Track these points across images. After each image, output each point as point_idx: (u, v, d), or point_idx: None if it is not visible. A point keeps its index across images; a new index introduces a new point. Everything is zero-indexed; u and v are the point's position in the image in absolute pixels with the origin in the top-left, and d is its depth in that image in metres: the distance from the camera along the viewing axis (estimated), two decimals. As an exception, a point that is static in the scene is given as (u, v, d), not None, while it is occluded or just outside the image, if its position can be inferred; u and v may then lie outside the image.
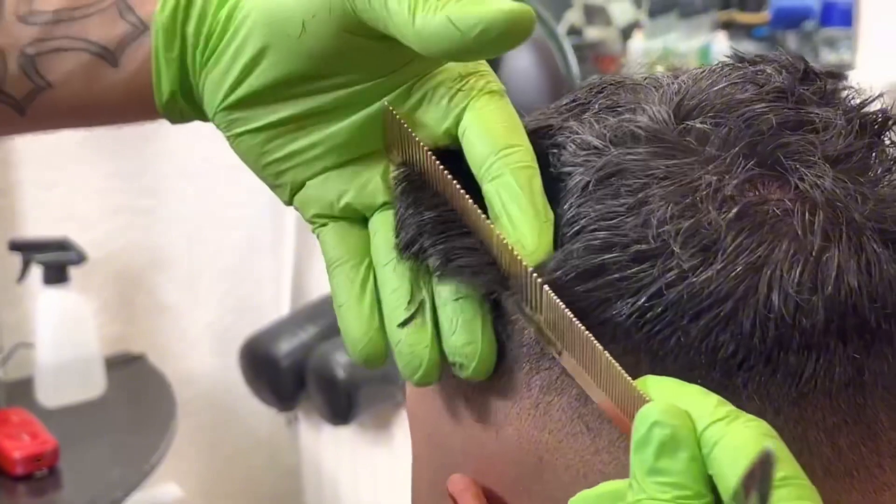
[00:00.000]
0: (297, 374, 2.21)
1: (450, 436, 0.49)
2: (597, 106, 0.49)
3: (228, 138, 0.50)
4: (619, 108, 0.48)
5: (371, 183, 0.50)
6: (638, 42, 3.12)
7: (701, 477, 0.38)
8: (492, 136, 0.47)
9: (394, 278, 0.48)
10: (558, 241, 0.45)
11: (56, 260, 1.95)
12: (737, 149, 0.45)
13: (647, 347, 0.43)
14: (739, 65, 0.49)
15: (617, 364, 0.42)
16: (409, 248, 0.47)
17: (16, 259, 1.99)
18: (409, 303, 0.47)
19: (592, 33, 3.00)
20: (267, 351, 2.22)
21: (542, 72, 1.98)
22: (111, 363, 2.08)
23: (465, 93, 0.48)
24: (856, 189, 0.44)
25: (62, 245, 1.97)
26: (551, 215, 0.45)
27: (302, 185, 0.50)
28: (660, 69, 0.52)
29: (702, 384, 0.42)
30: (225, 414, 2.51)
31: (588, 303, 0.43)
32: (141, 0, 0.51)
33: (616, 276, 0.43)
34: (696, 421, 0.39)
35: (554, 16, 2.29)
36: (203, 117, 0.52)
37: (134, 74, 0.51)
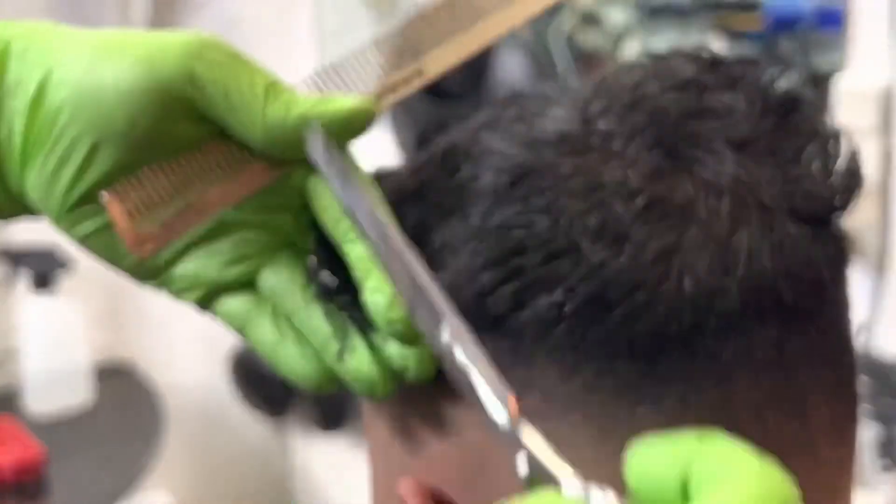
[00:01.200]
0: (286, 380, 2.19)
1: (399, 442, 0.50)
2: (506, 117, 0.49)
3: (77, 241, 0.49)
4: (526, 117, 0.48)
5: (238, 249, 0.49)
6: (633, 47, 3.12)
7: None
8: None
9: (314, 318, 0.48)
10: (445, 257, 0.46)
11: (42, 267, 1.94)
12: (640, 142, 0.45)
13: (569, 343, 0.44)
14: (646, 62, 0.50)
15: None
16: (327, 295, 0.49)
17: (2, 266, 1.98)
18: (335, 335, 0.48)
19: (586, 38, 3.01)
20: (256, 358, 2.20)
21: (533, 77, 1.97)
22: (100, 372, 2.07)
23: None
24: (763, 171, 0.45)
25: (50, 252, 1.96)
26: None
27: (164, 274, 0.50)
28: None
29: (623, 372, 0.43)
30: (215, 422, 2.50)
31: (506, 307, 0.44)
32: None
33: (531, 276, 0.44)
34: None
35: (546, 20, 2.28)
36: (29, 214, 0.50)
37: None
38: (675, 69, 0.49)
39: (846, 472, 0.48)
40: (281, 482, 2.57)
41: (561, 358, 0.44)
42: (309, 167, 0.48)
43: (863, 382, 0.52)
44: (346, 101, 0.47)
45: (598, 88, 0.48)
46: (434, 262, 0.46)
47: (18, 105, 0.47)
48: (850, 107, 1.49)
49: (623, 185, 0.44)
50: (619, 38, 2.34)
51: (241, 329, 0.50)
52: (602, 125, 0.46)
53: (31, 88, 0.47)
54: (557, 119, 0.47)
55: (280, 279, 0.49)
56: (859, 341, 0.50)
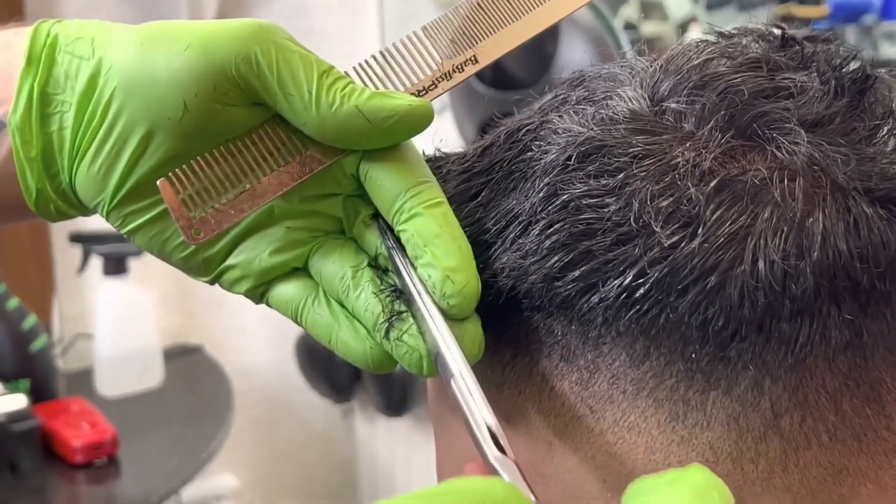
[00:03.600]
0: (352, 365, 2.21)
1: (463, 428, 0.50)
2: (574, 98, 0.49)
3: (126, 234, 0.49)
4: (595, 98, 0.48)
5: (296, 233, 0.49)
6: (695, 36, 3.09)
7: None
8: (397, 175, 0.47)
9: (364, 298, 0.48)
10: (514, 232, 0.46)
11: (115, 251, 1.97)
12: (712, 123, 0.44)
13: (640, 328, 0.43)
14: (714, 40, 0.49)
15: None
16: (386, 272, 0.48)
17: (77, 251, 2.02)
18: (384, 313, 0.47)
19: (649, 28, 2.98)
20: (322, 344, 2.23)
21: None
22: (169, 354, 2.11)
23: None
24: (837, 151, 0.44)
25: (121, 237, 1.99)
26: (471, 250, 0.46)
27: (218, 267, 0.50)
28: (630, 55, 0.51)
29: (696, 358, 0.42)
30: (281, 406, 2.53)
31: (575, 291, 0.44)
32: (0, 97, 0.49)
33: (601, 259, 0.43)
34: None
35: (611, 10, 2.27)
36: (80, 212, 0.50)
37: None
38: (744, 48, 0.48)
39: None
40: (346, 466, 2.60)
41: (631, 343, 0.43)
42: (359, 153, 0.48)
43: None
44: (403, 98, 0.46)
45: (666, 68, 0.47)
46: (498, 240, 0.46)
47: (68, 98, 0.47)
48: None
49: (696, 167, 0.43)
50: (681, 26, 2.34)
51: (295, 315, 0.50)
52: (672, 104, 0.46)
53: (81, 81, 0.47)
54: (626, 98, 0.46)
55: (330, 263, 0.49)
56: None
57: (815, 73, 0.47)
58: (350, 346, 0.48)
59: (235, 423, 1.99)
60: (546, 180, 0.45)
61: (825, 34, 0.50)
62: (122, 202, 0.48)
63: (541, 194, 0.45)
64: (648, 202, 0.43)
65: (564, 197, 0.45)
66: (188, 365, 2.17)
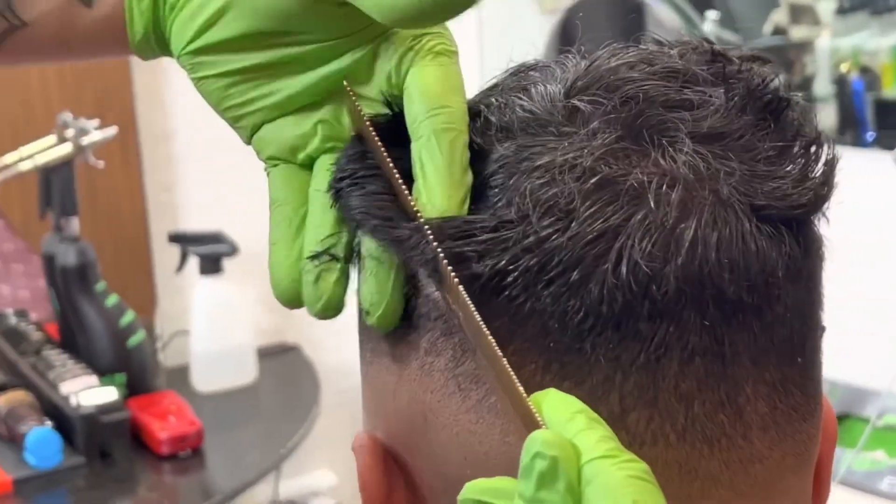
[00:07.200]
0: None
1: (366, 397, 0.52)
2: (507, 86, 0.50)
3: (192, 80, 0.52)
4: (519, 88, 0.49)
5: (322, 128, 0.51)
6: (824, 41, 3.03)
7: None
8: (426, 95, 0.49)
9: (318, 216, 0.49)
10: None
11: (210, 252, 2.04)
12: (607, 124, 0.46)
13: (507, 311, 0.44)
14: (643, 46, 0.50)
15: (513, 375, 0.43)
16: (337, 194, 0.49)
17: (175, 250, 2.10)
18: (325, 238, 0.48)
19: (798, 33, 2.93)
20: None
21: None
22: (265, 353, 2.17)
23: (414, 52, 0.50)
24: (725, 164, 0.45)
25: (216, 237, 2.06)
26: (469, 178, 0.47)
27: (259, 128, 0.52)
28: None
29: (554, 348, 0.44)
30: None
31: (462, 256, 0.45)
32: None
33: (479, 239, 0.44)
34: (580, 453, 0.40)
35: (761, 15, 2.26)
36: (168, 54, 0.54)
37: (108, 15, 0.53)
38: (670, 58, 0.49)
39: (790, 474, 0.48)
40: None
41: (498, 326, 0.44)
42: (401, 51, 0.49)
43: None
44: None
45: (588, 67, 0.49)
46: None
47: None
48: None
49: (578, 164, 0.44)
50: (827, 30, 2.31)
51: (270, 205, 0.51)
52: (579, 103, 0.47)
53: None
54: (540, 94, 0.48)
55: (320, 172, 0.50)
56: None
57: (725, 89, 0.47)
58: (278, 263, 0.50)
59: (334, 421, 2.02)
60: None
61: (763, 55, 0.50)
62: (194, 52, 0.51)
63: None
64: (529, 195, 0.44)
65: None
66: (282, 363, 2.23)
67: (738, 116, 0.47)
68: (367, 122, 0.50)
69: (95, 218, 2.13)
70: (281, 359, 2.24)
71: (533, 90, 0.48)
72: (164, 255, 2.16)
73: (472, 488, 0.42)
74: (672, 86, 0.47)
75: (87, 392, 1.73)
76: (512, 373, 0.43)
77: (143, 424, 1.78)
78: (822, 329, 0.49)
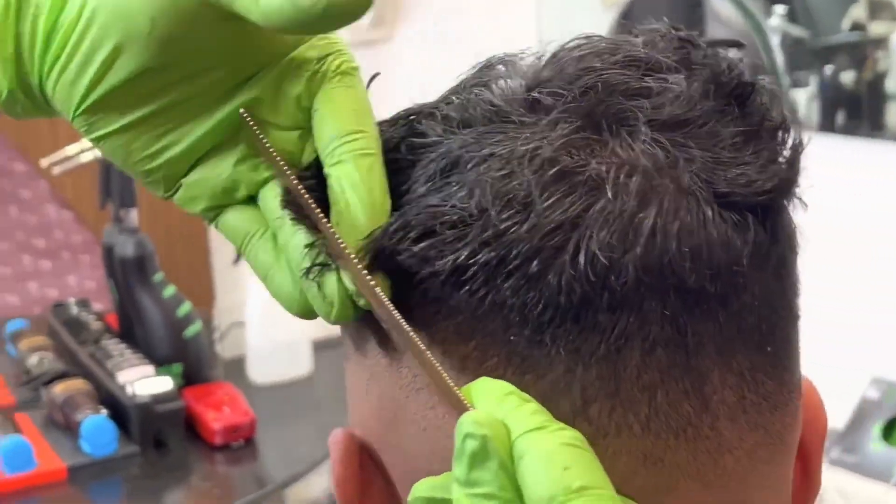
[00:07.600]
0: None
1: (347, 393, 0.53)
2: (470, 81, 0.50)
3: (92, 141, 0.50)
4: (481, 83, 0.49)
5: (247, 163, 0.50)
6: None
7: (511, 485, 0.39)
8: (339, 119, 0.49)
9: (290, 234, 0.48)
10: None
11: (267, 245, 2.05)
12: (567, 114, 0.45)
13: (468, 307, 0.44)
14: (609, 36, 0.49)
15: (439, 366, 0.44)
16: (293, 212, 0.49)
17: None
18: (306, 253, 0.48)
19: (877, 28, 2.88)
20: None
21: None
22: (321, 345, 2.17)
23: (321, 73, 0.50)
24: (686, 152, 0.45)
25: (272, 232, 2.07)
26: (388, 204, 0.47)
27: (175, 181, 0.51)
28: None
29: (514, 341, 0.44)
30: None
31: (414, 262, 0.45)
32: None
33: (441, 237, 0.44)
34: (511, 430, 0.40)
35: (839, 10, 2.24)
36: (45, 114, 0.51)
37: None
38: (633, 46, 0.48)
39: (763, 464, 0.47)
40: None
41: (460, 321, 0.45)
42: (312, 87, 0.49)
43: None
44: None
45: (551, 59, 0.48)
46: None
47: (42, 5, 0.48)
48: None
49: (536, 156, 0.44)
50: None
51: (240, 246, 0.50)
52: (540, 95, 0.46)
53: None
54: (504, 87, 0.48)
55: (272, 198, 0.50)
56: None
57: (686, 76, 0.47)
58: (281, 288, 0.49)
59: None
60: (411, 190, 0.47)
61: (733, 40, 0.50)
62: (88, 110, 0.49)
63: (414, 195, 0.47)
64: (489, 187, 0.44)
65: (430, 199, 0.46)
66: (338, 356, 2.21)
67: (702, 103, 0.46)
68: (276, 157, 0.50)
69: (154, 210, 2.15)
70: (337, 351, 2.23)
71: (494, 85, 0.48)
72: (222, 248, 2.18)
73: (419, 488, 0.43)
74: (633, 74, 0.47)
75: (143, 381, 1.75)
76: (437, 365, 0.44)
77: (198, 414, 1.80)
78: (797, 317, 0.49)
